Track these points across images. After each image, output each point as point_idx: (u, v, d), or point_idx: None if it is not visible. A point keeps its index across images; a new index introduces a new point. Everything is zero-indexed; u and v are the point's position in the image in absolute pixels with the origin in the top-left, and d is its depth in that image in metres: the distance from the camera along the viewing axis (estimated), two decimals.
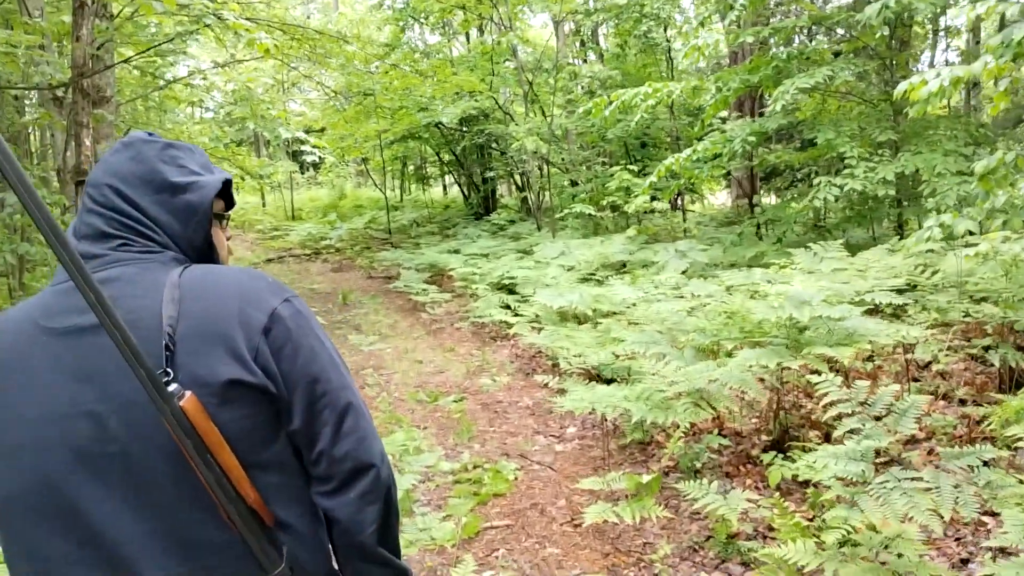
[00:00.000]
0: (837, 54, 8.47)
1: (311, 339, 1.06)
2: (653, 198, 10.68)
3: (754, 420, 4.19)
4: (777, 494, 3.10)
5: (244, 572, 1.00)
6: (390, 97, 13.99)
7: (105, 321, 0.90)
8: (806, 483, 3.32)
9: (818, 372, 3.31)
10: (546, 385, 5.55)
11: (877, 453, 2.44)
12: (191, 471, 0.95)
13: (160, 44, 6.22)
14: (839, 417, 2.55)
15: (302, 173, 28.07)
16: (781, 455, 3.48)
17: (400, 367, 7.20)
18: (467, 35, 17.14)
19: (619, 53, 15.03)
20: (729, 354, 4.67)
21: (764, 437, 3.94)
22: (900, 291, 4.20)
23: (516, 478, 4.32)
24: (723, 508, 2.80)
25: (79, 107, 5.82)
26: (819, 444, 3.45)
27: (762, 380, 3.84)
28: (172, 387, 0.93)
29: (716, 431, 4.00)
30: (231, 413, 0.97)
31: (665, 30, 12.58)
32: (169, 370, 0.95)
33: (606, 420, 4.56)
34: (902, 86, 4.07)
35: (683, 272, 7.44)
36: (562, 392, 5.04)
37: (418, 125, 14.95)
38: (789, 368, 3.59)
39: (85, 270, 0.90)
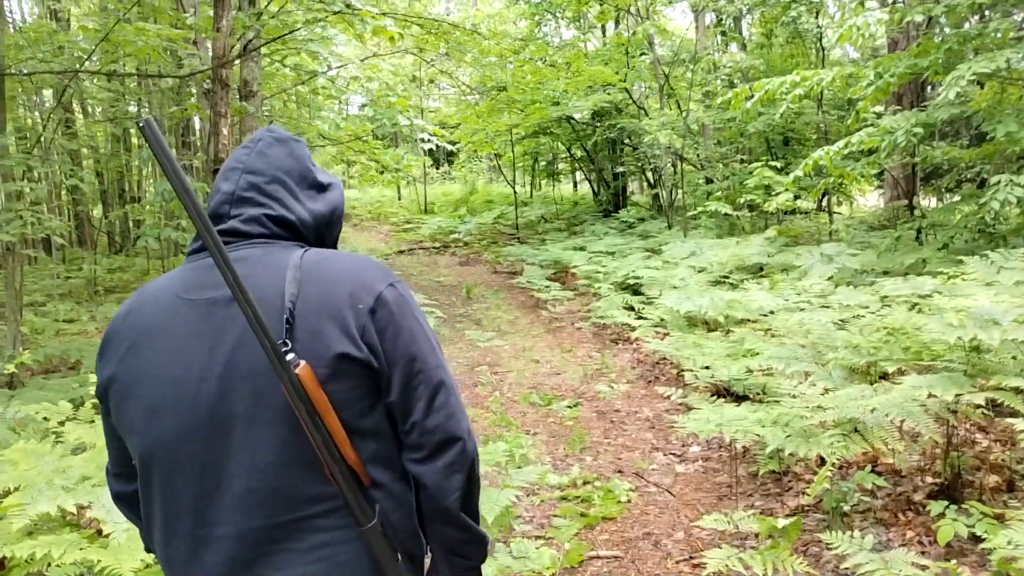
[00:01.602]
0: (1019, 39, 7.36)
1: (411, 321, 1.15)
2: (796, 197, 9.81)
3: (916, 457, 3.55)
4: (948, 556, 2.52)
5: (341, 524, 1.09)
6: (522, 91, 13.78)
7: (239, 298, 1.03)
8: (981, 539, 2.72)
9: (1003, 407, 2.69)
10: (668, 397, 5.08)
11: None
12: (301, 433, 1.05)
13: (289, 33, 6.26)
14: None
15: (437, 168, 28.60)
16: (953, 505, 2.87)
17: (516, 366, 6.93)
18: (603, 29, 16.68)
19: (764, 42, 14.05)
20: (885, 376, 4.04)
21: (929, 479, 3.30)
22: None
23: (629, 500, 3.91)
24: (881, 570, 2.27)
25: (217, 97, 5.90)
26: (1004, 496, 2.82)
27: (926, 409, 3.23)
28: (289, 357, 1.04)
29: (870, 468, 3.40)
30: (339, 383, 1.07)
31: (817, 16, 11.56)
32: (288, 341, 1.05)
33: (735, 443, 4.05)
34: None
35: (829, 278, 6.69)
36: (686, 407, 4.58)
37: (549, 120, 14.68)
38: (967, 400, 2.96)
39: (226, 254, 1.03)
